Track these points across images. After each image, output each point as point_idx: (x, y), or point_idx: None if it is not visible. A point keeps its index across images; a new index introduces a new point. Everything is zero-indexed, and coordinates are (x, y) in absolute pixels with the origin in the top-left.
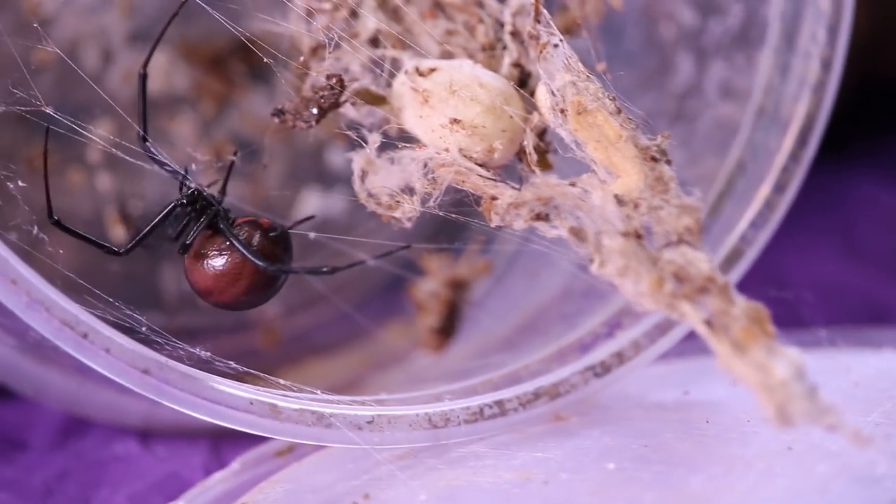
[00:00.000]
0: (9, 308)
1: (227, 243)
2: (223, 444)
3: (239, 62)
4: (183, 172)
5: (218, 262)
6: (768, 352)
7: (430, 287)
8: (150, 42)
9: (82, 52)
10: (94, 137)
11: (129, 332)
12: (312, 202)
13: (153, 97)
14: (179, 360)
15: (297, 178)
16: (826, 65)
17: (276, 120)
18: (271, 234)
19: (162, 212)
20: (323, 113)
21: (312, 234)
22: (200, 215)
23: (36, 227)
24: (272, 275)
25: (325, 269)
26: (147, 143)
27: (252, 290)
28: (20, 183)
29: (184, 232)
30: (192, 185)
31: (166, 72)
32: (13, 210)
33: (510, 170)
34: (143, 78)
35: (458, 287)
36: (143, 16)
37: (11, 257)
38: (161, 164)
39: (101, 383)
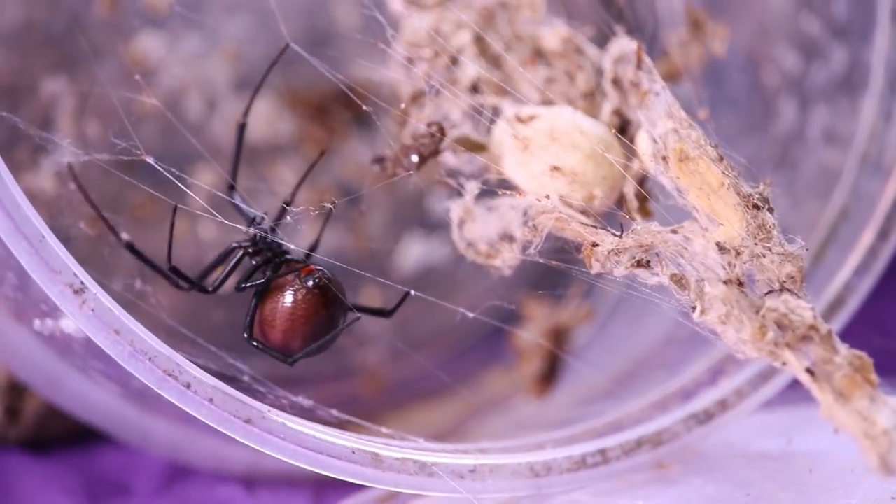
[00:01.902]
0: (112, 357)
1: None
2: (326, 489)
3: (342, 109)
4: (262, 216)
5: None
6: (871, 401)
7: (531, 334)
8: (252, 89)
9: (186, 100)
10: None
11: (232, 380)
12: (414, 249)
13: (256, 144)
14: (282, 408)
15: (399, 225)
16: None
17: (377, 168)
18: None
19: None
20: (423, 160)
21: (413, 292)
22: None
23: (139, 279)
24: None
25: (386, 311)
26: (234, 192)
27: (296, 333)
28: (124, 235)
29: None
30: (264, 232)
31: (270, 119)
32: (117, 259)
33: (610, 217)
34: (242, 127)
35: (559, 334)
36: (248, 64)
37: (115, 307)
38: (242, 213)
39: (205, 431)
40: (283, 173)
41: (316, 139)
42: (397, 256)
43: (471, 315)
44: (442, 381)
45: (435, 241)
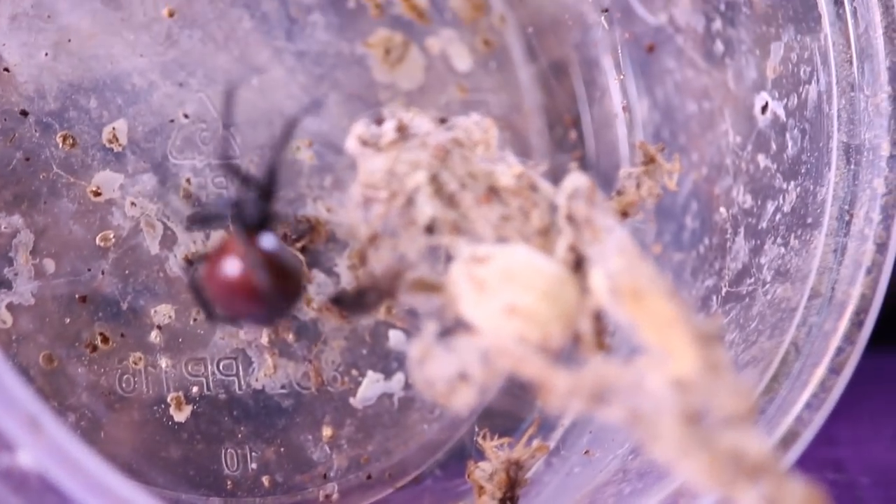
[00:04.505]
0: (68, 492)
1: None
2: None
3: (298, 247)
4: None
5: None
6: None
7: (487, 468)
8: (207, 228)
9: (144, 235)
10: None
11: None
12: (373, 385)
13: None
14: None
15: (358, 357)
16: (881, 247)
17: (335, 308)
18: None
19: None
20: (379, 301)
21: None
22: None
23: (103, 406)
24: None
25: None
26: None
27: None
28: (80, 369)
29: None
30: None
31: None
32: (73, 391)
33: (568, 352)
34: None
35: (515, 468)
36: (203, 202)
37: (71, 441)
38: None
39: None
40: None
41: None
42: (357, 391)
43: (427, 427)
44: None
45: (392, 377)
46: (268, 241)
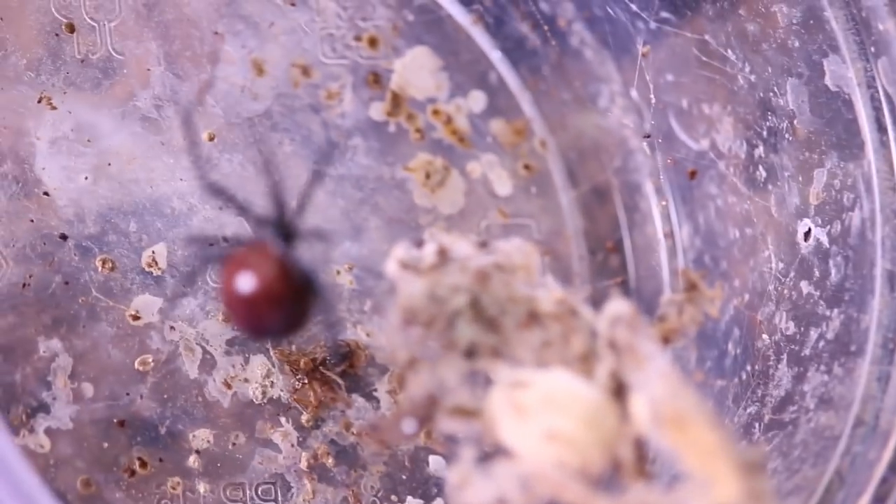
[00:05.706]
0: None
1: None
2: None
3: (338, 371)
4: None
5: None
6: None
7: None
8: (246, 348)
9: (182, 359)
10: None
11: None
12: None
13: (253, 404)
14: None
15: (397, 483)
16: None
17: (372, 432)
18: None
19: None
20: (420, 428)
21: None
22: None
23: None
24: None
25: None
26: None
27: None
28: (118, 494)
29: None
30: None
31: (266, 380)
32: None
33: (609, 478)
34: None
35: None
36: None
37: None
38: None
39: None
40: (277, 434)
41: (313, 400)
42: None
43: None
44: None
45: (432, 502)
46: (282, 249)
